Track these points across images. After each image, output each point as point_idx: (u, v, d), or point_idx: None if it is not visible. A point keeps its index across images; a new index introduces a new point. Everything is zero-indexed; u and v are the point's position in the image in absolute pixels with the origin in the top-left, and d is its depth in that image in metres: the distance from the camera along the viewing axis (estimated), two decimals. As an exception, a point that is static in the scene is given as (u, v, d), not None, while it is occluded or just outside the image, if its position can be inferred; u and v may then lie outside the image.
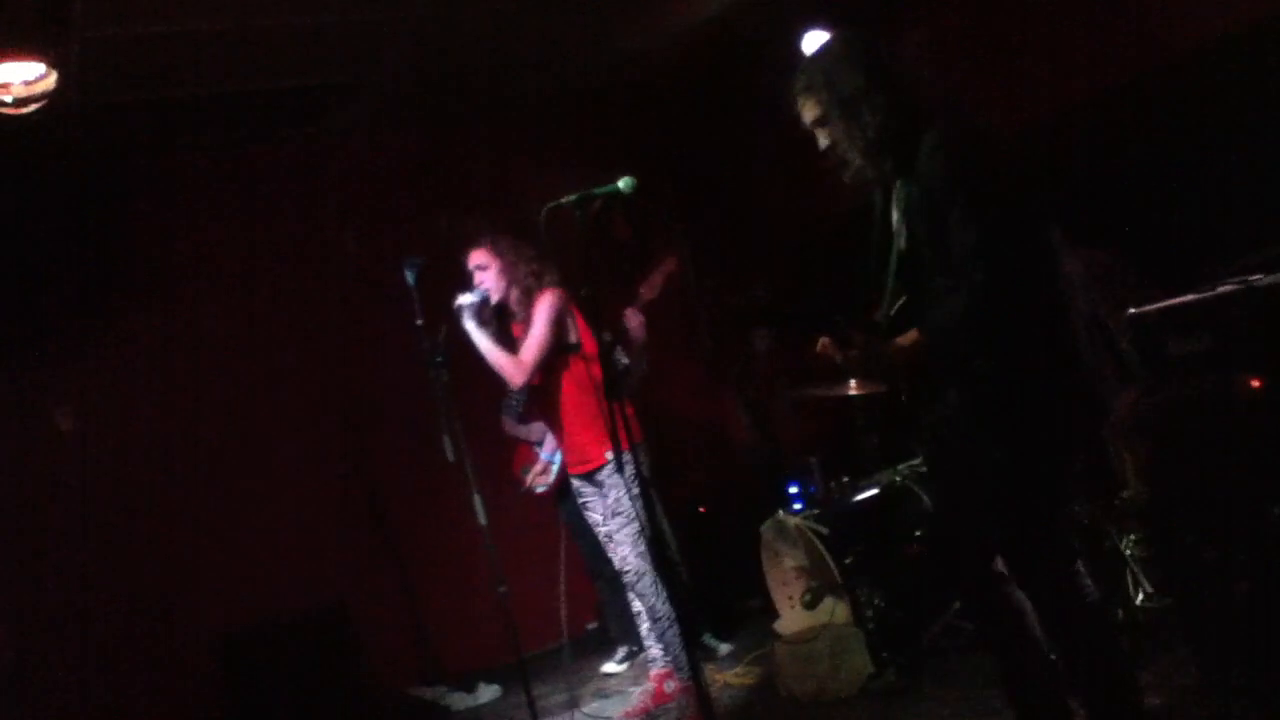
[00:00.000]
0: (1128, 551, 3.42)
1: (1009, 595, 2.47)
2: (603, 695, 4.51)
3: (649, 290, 4.52)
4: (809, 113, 2.46)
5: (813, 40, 4.94)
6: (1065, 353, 2.30)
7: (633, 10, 4.96)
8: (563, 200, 2.91)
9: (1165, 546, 3.07)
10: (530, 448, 4.98)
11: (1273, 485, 2.66)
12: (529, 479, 4.90)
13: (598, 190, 2.90)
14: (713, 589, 4.93)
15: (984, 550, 2.48)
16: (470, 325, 3.81)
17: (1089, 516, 3.40)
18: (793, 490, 5.20)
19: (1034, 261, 2.29)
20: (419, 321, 3.64)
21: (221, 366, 5.19)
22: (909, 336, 2.42)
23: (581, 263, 2.95)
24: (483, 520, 3.66)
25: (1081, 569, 2.38)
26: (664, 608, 3.86)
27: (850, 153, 2.40)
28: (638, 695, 4.16)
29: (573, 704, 4.39)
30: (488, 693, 5.02)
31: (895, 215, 2.46)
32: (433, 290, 3.75)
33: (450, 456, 3.69)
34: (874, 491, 4.04)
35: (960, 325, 2.27)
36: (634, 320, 4.46)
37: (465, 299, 3.81)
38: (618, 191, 2.91)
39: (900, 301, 2.45)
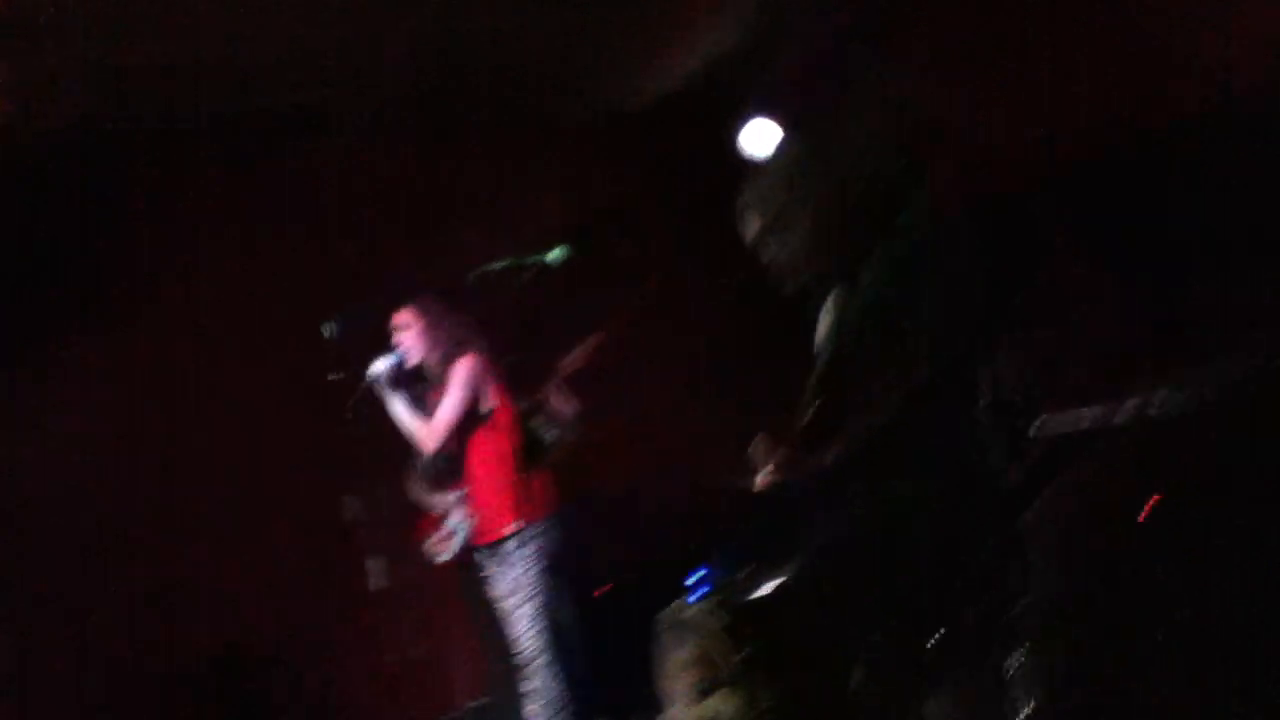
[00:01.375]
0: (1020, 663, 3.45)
1: None
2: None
3: (570, 363, 4.52)
4: (751, 226, 2.51)
5: (751, 132, 5.08)
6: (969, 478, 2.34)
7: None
8: (492, 266, 2.93)
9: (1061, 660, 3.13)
10: (435, 515, 4.89)
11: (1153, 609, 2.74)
12: (429, 546, 4.81)
13: (528, 259, 2.94)
14: (611, 673, 4.84)
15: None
16: (385, 391, 3.79)
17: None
18: (696, 578, 5.18)
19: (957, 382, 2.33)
20: (331, 376, 3.61)
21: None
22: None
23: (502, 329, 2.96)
24: (376, 583, 3.60)
25: None
26: (559, 690, 3.80)
27: (791, 263, 2.45)
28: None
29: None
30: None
31: (828, 320, 2.50)
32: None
33: (349, 515, 3.65)
34: (779, 582, 4.04)
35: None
36: (557, 393, 4.45)
37: (379, 365, 3.80)
38: (546, 262, 2.94)
39: (816, 404, 2.49)
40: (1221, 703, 2.51)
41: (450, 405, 3.81)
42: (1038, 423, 2.97)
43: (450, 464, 4.04)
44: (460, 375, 3.84)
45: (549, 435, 4.36)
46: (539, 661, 3.82)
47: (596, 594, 5.38)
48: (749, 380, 5.25)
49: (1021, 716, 3.31)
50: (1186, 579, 2.62)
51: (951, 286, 2.30)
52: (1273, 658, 2.42)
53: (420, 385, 3.95)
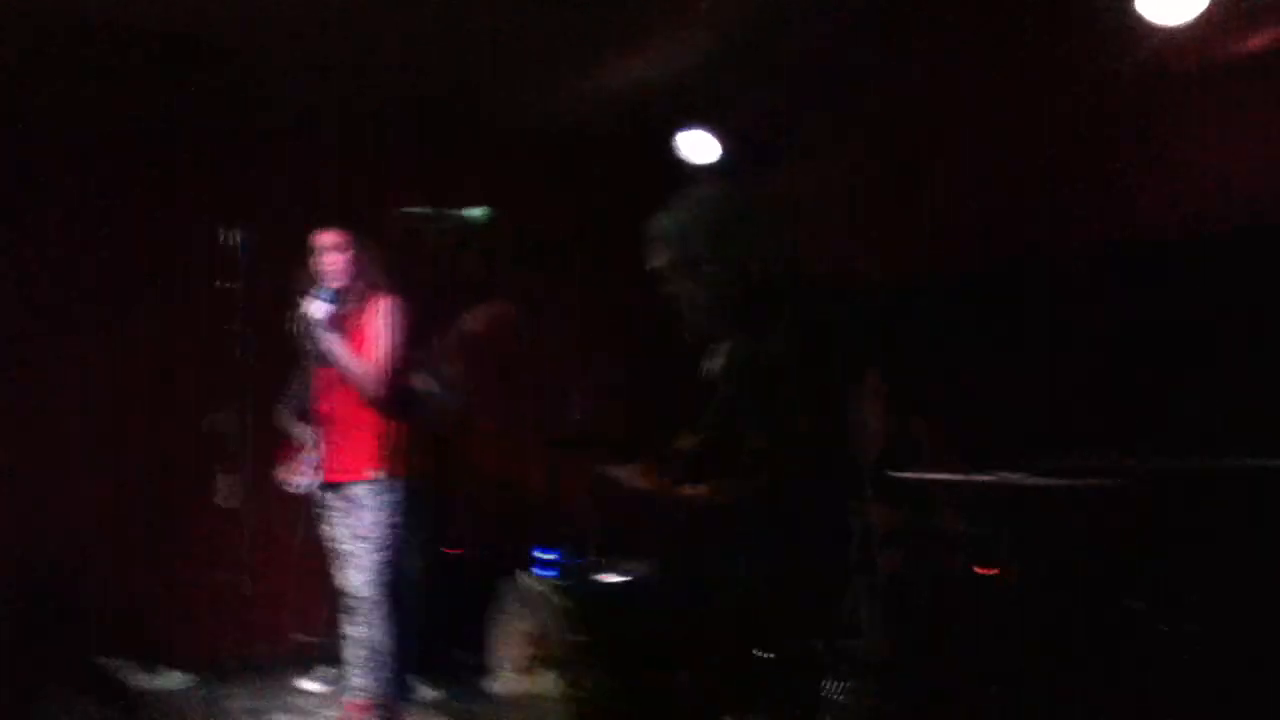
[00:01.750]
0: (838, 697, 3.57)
1: None
2: (291, 711, 4.31)
3: (473, 322, 4.46)
4: (658, 258, 2.52)
5: (686, 141, 5.11)
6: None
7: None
8: (416, 209, 2.88)
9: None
10: (297, 446, 4.77)
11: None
12: (284, 472, 4.70)
13: (450, 212, 2.90)
14: (438, 633, 4.82)
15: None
16: (324, 334, 3.66)
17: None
18: (544, 555, 5.20)
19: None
20: (222, 283, 3.48)
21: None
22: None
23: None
24: (223, 502, 3.50)
25: None
26: (384, 641, 3.76)
27: (687, 309, 2.47)
28: (322, 717, 4.01)
29: (257, 714, 4.19)
30: (173, 680, 4.71)
31: (722, 363, 2.54)
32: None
33: (218, 431, 3.54)
34: (628, 578, 4.08)
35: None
36: (449, 350, 4.39)
37: (318, 308, 3.66)
38: (471, 220, 2.90)
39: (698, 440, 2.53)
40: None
41: (387, 343, 3.72)
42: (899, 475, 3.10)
43: (325, 396, 3.94)
44: (391, 315, 3.76)
45: (429, 393, 4.30)
46: (370, 610, 3.76)
47: (446, 551, 5.34)
48: (637, 392, 5.31)
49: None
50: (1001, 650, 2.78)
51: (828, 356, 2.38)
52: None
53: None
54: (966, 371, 4.27)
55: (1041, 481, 2.73)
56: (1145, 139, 4.11)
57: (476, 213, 2.90)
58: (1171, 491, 3.18)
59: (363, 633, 3.81)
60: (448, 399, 4.40)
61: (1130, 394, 3.92)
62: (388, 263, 3.82)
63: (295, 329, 3.72)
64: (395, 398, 3.76)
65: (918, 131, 4.81)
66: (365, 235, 3.79)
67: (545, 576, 4.39)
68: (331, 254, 3.79)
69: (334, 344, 3.69)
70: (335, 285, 3.76)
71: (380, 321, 3.75)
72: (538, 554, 5.19)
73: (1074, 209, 4.30)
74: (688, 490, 2.49)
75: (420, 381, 4.25)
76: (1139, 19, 3.75)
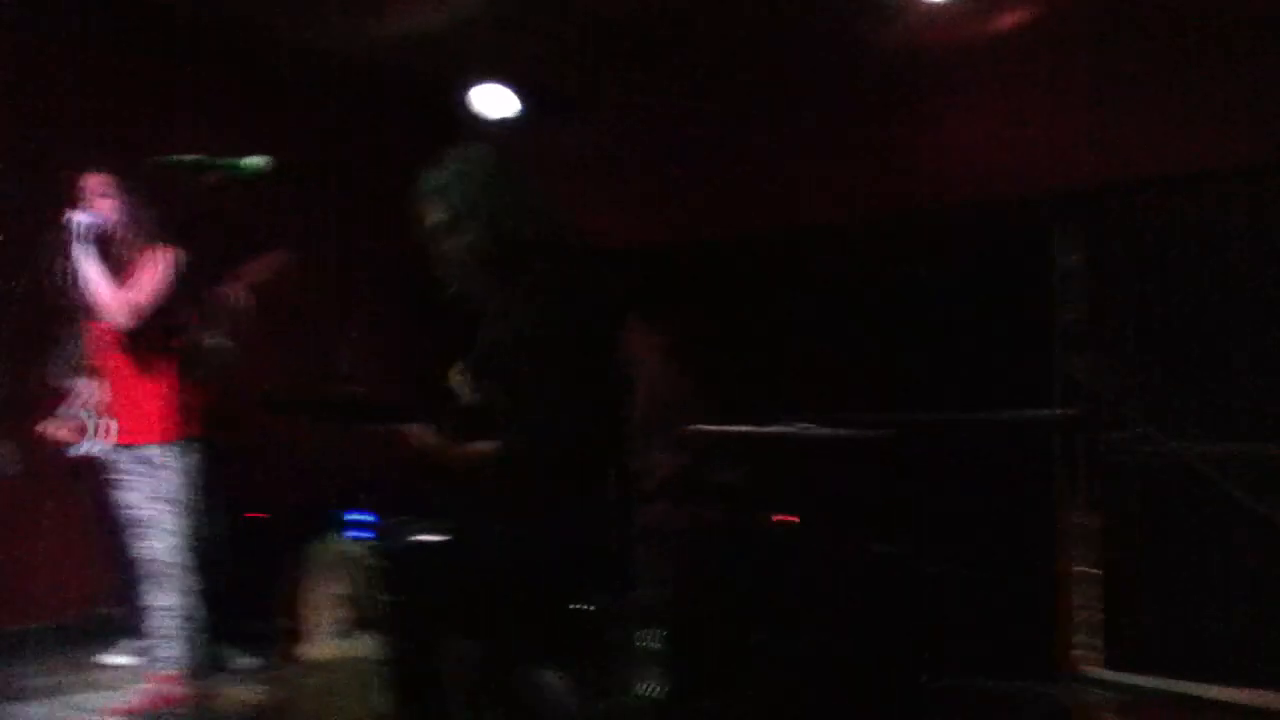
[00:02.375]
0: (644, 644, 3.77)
1: None
2: (94, 687, 4.22)
3: (246, 273, 4.36)
4: (428, 217, 2.61)
5: (480, 95, 5.14)
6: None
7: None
8: (174, 157, 2.75)
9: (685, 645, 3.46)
10: (71, 402, 4.58)
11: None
12: (56, 432, 4.50)
13: (219, 160, 2.78)
14: (244, 599, 4.76)
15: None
16: (81, 247, 3.52)
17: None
18: (356, 518, 5.21)
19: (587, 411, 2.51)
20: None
21: None
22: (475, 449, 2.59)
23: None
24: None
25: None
26: (191, 609, 3.72)
27: (450, 267, 2.58)
28: (132, 692, 3.94)
29: (57, 691, 4.07)
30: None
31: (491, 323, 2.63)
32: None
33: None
34: (442, 537, 4.15)
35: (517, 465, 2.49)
36: (222, 301, 4.30)
37: (82, 217, 3.52)
38: (238, 169, 2.80)
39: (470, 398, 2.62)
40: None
41: (155, 286, 3.60)
42: (689, 429, 3.30)
43: (104, 356, 3.80)
44: (165, 261, 3.63)
45: (215, 348, 4.20)
46: (176, 577, 3.70)
47: (247, 515, 5.26)
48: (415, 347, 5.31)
49: (634, 692, 3.65)
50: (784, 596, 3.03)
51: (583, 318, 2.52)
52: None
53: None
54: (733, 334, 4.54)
55: (818, 433, 2.99)
56: (907, 113, 4.44)
57: (245, 162, 2.79)
58: (921, 443, 3.55)
59: (168, 601, 3.74)
60: (232, 354, 4.32)
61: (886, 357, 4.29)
62: (164, 213, 3.71)
63: (63, 278, 3.57)
64: (170, 348, 3.67)
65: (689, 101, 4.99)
66: (139, 181, 3.67)
67: (357, 539, 4.42)
68: (96, 200, 3.66)
69: (86, 260, 3.57)
70: (105, 230, 3.65)
71: (149, 269, 3.65)
72: (350, 517, 5.19)
73: (836, 180, 4.59)
74: (472, 449, 2.57)
75: (204, 335, 4.16)
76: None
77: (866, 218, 4.54)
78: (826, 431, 3.21)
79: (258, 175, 2.84)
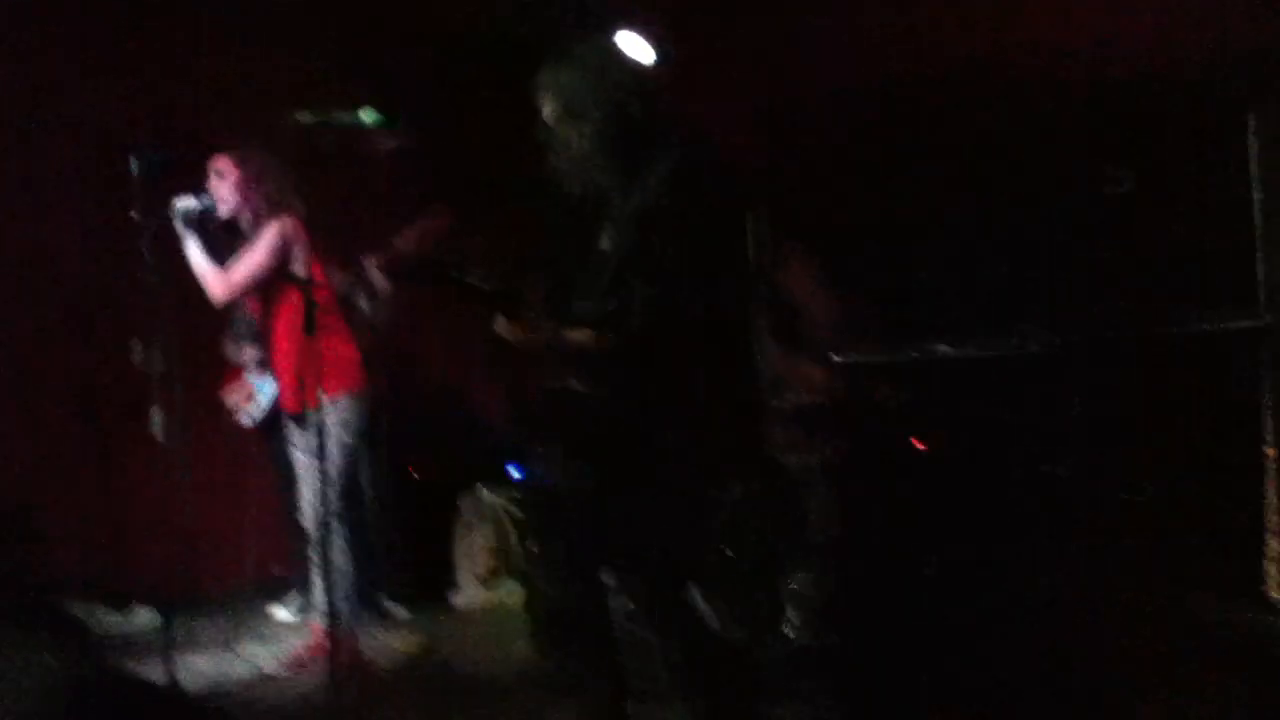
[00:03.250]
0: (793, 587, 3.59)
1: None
2: (261, 640, 4.34)
3: (403, 242, 4.37)
4: (544, 110, 2.53)
5: (624, 39, 4.96)
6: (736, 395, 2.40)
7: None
8: (297, 117, 2.75)
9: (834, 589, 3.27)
10: (242, 373, 4.72)
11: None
12: (229, 402, 4.65)
13: (341, 115, 2.76)
14: (406, 553, 4.82)
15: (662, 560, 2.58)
16: (183, 230, 3.58)
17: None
18: (510, 468, 5.19)
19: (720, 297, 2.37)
20: (134, 214, 3.37)
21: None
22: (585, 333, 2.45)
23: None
24: (160, 437, 3.44)
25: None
26: (343, 562, 3.75)
27: (571, 156, 2.48)
28: (298, 645, 4.02)
29: (228, 644, 4.21)
30: (144, 617, 4.72)
31: (605, 220, 2.50)
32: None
33: (147, 366, 3.46)
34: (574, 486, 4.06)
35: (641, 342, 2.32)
36: (376, 268, 4.31)
37: (184, 202, 3.58)
38: (360, 122, 2.77)
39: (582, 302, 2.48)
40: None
41: (252, 260, 3.63)
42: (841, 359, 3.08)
43: (262, 324, 3.88)
44: (270, 234, 3.66)
45: (367, 310, 4.23)
46: (334, 536, 3.74)
47: (410, 470, 5.32)
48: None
49: (790, 630, 3.47)
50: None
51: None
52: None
53: (232, 240, 3.75)
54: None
55: (969, 354, 2.70)
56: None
57: (365, 115, 2.76)
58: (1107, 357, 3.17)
59: (331, 555, 3.78)
60: (379, 316, 4.33)
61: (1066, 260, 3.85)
62: (297, 179, 3.71)
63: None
64: (323, 308, 3.68)
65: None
66: (269, 151, 3.67)
67: (505, 488, 4.37)
68: (218, 180, 3.69)
69: (187, 242, 3.61)
70: (225, 211, 3.68)
71: (261, 239, 3.66)
72: (509, 469, 5.18)
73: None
74: (573, 336, 2.44)
75: (357, 296, 4.18)
76: None
77: (1034, 100, 4.06)
78: (980, 352, 2.92)
79: (381, 125, 2.82)
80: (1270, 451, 3.53)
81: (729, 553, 3.22)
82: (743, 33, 4.87)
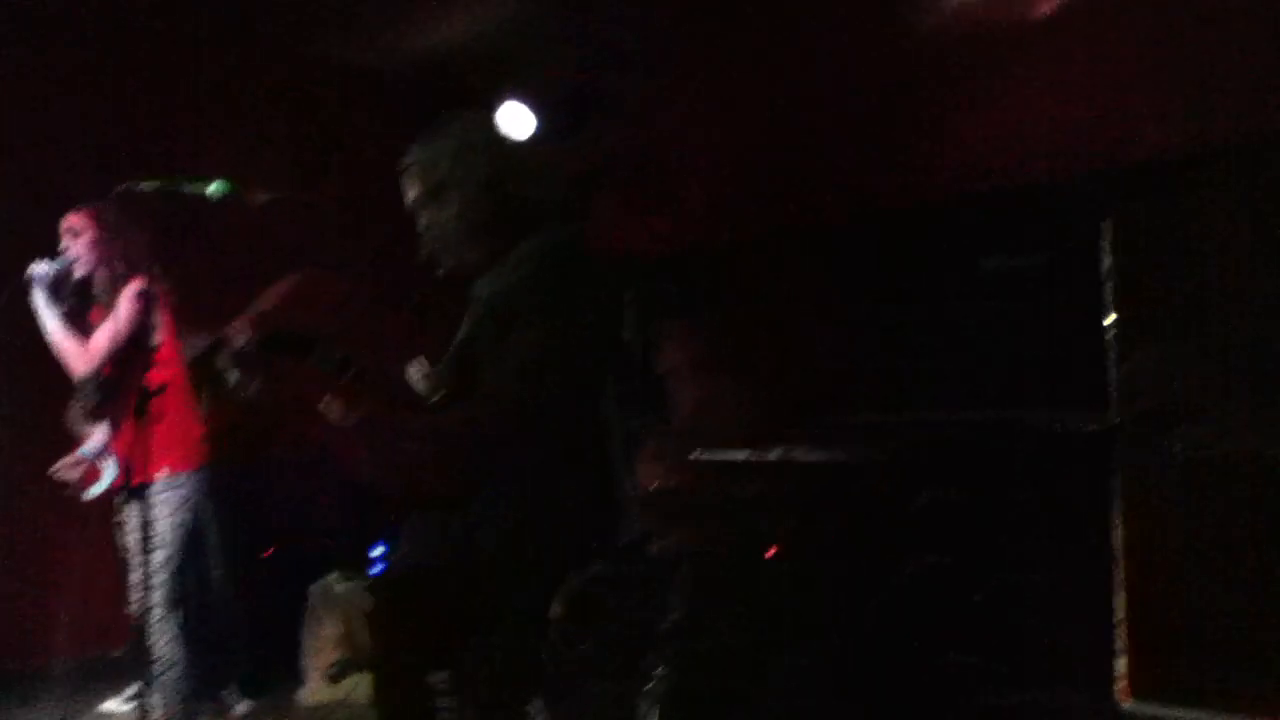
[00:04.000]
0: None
1: None
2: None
3: (264, 301, 4.22)
4: (411, 192, 2.44)
5: (507, 112, 4.96)
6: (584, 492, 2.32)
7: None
8: (142, 183, 2.65)
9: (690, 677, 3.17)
10: (83, 445, 4.46)
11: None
12: (61, 473, 4.38)
13: (186, 184, 2.67)
14: (251, 642, 4.56)
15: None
16: (40, 299, 3.40)
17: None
18: (378, 552, 5.00)
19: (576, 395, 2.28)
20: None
21: None
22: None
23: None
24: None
25: None
26: (168, 650, 3.53)
27: (437, 241, 2.40)
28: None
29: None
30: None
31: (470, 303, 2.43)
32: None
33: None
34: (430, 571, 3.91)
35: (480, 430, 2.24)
36: (241, 332, 4.15)
37: (40, 268, 3.41)
38: (207, 190, 2.68)
39: (441, 392, 2.39)
40: None
41: (111, 329, 3.46)
42: (696, 452, 3.02)
43: (110, 394, 3.68)
44: (127, 299, 3.50)
45: (225, 379, 4.04)
46: (164, 622, 3.52)
47: (265, 555, 5.07)
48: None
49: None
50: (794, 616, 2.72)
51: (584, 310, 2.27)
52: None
53: (84, 302, 3.57)
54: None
55: (828, 457, 2.68)
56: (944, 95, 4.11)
57: (212, 187, 2.66)
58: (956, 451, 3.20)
59: (160, 645, 3.56)
60: (244, 383, 4.14)
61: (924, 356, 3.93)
62: (159, 241, 3.56)
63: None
64: (172, 381, 3.52)
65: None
66: (125, 210, 3.52)
67: (359, 576, 4.19)
68: (73, 239, 3.53)
69: (44, 312, 3.44)
70: (80, 270, 3.51)
71: (120, 304, 3.49)
72: (369, 554, 4.98)
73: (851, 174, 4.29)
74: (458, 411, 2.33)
75: (213, 366, 4.01)
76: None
77: (907, 207, 4.18)
78: (839, 454, 2.91)
79: (228, 197, 2.73)
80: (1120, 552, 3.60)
81: (578, 648, 3.12)
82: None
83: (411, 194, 2.43)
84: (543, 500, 2.32)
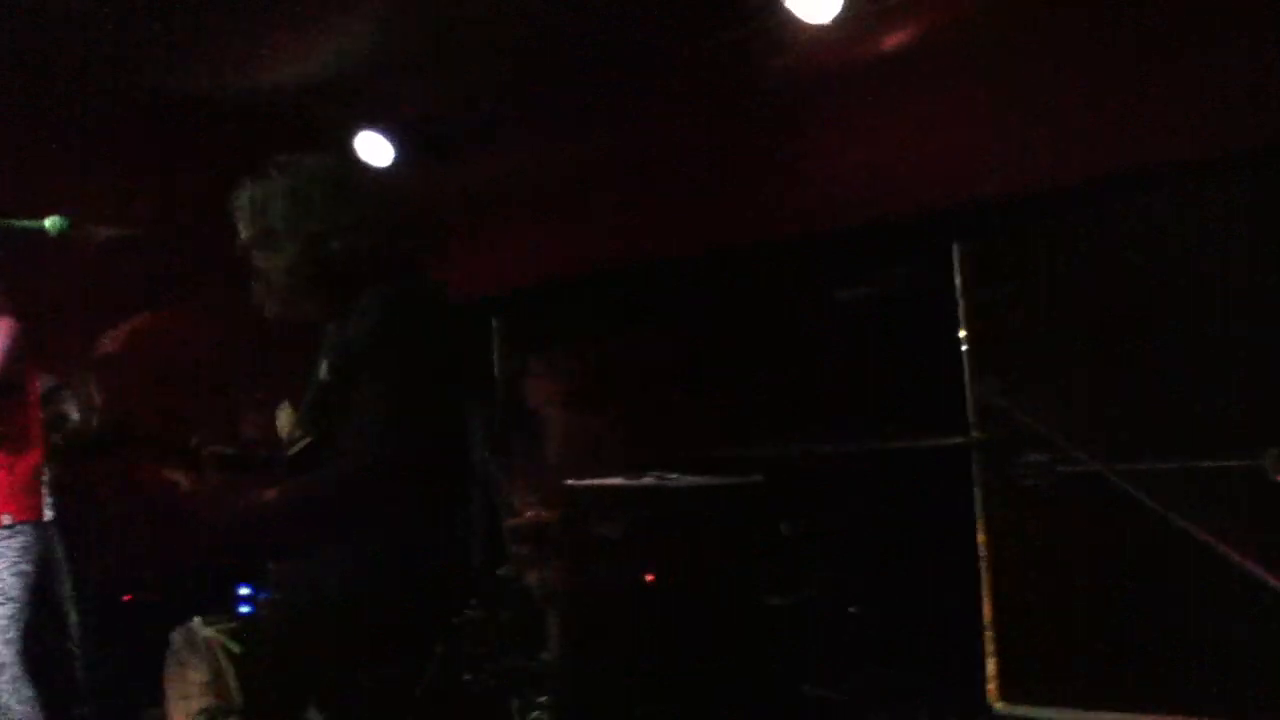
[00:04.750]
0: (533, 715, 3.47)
1: None
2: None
3: (110, 343, 4.09)
4: (241, 232, 2.35)
5: (364, 141, 4.91)
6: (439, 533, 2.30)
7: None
8: None
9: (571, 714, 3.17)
10: None
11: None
12: None
13: (18, 223, 2.55)
14: (115, 690, 4.36)
15: None
16: None
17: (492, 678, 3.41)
18: (244, 591, 4.85)
19: (430, 446, 2.25)
20: None
21: None
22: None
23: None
24: None
25: None
26: (23, 710, 3.35)
27: (269, 287, 2.32)
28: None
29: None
30: None
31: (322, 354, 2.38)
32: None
33: None
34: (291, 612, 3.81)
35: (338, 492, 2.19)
36: (88, 373, 4.00)
37: None
38: (42, 230, 2.57)
39: (303, 442, 2.35)
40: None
41: None
42: (571, 481, 3.04)
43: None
44: (3, 336, 3.35)
45: (69, 421, 3.89)
46: (11, 674, 3.35)
47: (126, 599, 4.87)
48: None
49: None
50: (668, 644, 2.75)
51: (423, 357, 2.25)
52: None
53: None
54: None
55: (695, 482, 2.74)
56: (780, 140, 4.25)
57: (49, 223, 2.55)
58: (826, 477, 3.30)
59: (10, 705, 3.37)
60: (89, 423, 4.00)
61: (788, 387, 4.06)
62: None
63: None
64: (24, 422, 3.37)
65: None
66: None
67: (223, 619, 4.04)
68: None
69: None
70: None
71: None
72: (235, 594, 4.83)
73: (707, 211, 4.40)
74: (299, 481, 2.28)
75: (59, 407, 3.86)
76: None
77: (761, 242, 4.32)
78: (703, 480, 2.96)
79: (62, 235, 2.62)
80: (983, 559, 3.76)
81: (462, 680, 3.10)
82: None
83: (242, 235, 2.33)
84: (413, 541, 2.30)
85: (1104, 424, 3.80)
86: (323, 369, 2.32)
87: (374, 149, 4.87)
